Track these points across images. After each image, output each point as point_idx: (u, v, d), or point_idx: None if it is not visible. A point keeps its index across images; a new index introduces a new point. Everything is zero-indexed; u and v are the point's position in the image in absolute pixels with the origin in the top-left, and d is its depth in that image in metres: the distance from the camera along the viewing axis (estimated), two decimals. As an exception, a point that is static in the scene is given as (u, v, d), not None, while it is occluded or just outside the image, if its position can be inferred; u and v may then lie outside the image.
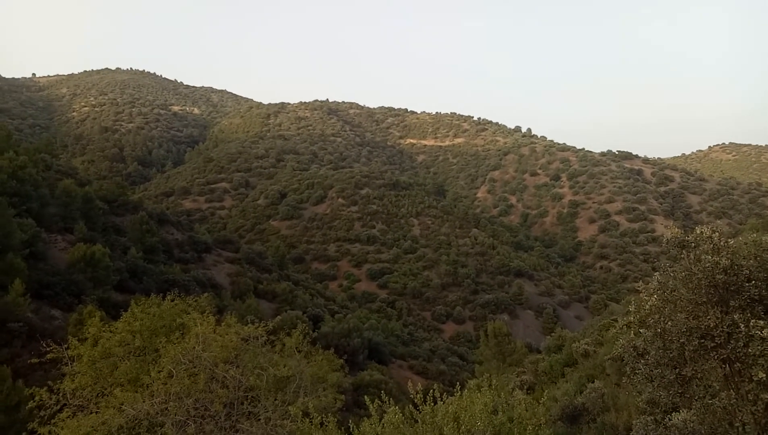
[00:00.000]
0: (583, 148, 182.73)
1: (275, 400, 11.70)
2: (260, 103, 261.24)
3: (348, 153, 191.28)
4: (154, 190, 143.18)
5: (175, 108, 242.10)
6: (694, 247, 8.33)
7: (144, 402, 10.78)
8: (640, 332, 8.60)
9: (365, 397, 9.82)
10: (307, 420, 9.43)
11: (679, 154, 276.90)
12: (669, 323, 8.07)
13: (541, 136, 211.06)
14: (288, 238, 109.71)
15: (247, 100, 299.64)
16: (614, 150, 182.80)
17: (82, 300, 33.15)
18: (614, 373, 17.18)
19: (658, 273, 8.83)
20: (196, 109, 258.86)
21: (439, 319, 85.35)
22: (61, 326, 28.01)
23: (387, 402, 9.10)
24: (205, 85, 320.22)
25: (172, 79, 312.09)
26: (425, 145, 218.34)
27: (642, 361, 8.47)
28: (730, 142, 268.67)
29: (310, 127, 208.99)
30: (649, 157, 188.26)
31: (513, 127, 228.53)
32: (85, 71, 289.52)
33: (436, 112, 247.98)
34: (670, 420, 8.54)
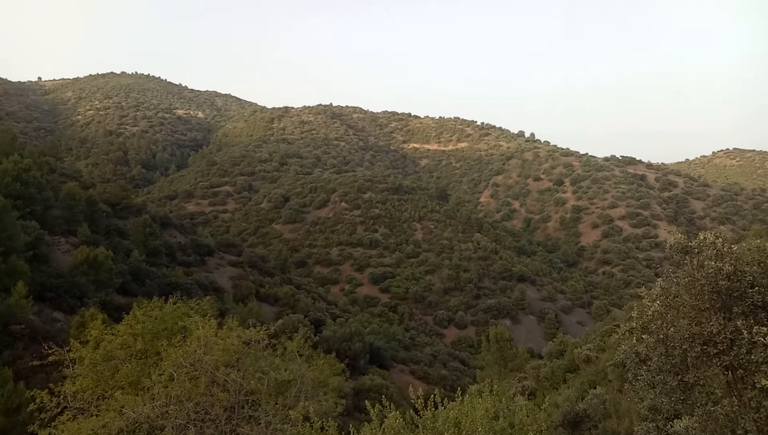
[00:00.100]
0: (587, 153, 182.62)
1: (276, 404, 11.69)
2: (264, 107, 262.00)
3: (351, 157, 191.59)
4: (158, 193, 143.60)
5: (180, 112, 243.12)
6: (698, 252, 8.30)
7: (145, 405, 10.78)
8: (642, 338, 8.56)
9: (366, 401, 9.79)
10: (308, 424, 9.41)
11: (683, 160, 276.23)
12: (671, 329, 8.04)
13: (545, 141, 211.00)
14: (290, 242, 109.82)
15: (251, 104, 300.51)
16: (618, 155, 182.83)
17: (84, 302, 33.19)
18: (616, 379, 17.11)
19: (660, 279, 8.79)
20: (200, 112, 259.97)
21: (440, 324, 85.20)
22: (63, 329, 28.07)
23: (388, 407, 9.07)
24: (210, 89, 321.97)
25: (177, 83, 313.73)
26: (428, 150, 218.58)
27: (644, 368, 8.43)
28: (734, 148, 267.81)
29: (313, 131, 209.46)
30: (652, 162, 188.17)
31: (516, 131, 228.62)
32: (91, 75, 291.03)
33: (440, 117, 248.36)
34: (672, 427, 8.48)
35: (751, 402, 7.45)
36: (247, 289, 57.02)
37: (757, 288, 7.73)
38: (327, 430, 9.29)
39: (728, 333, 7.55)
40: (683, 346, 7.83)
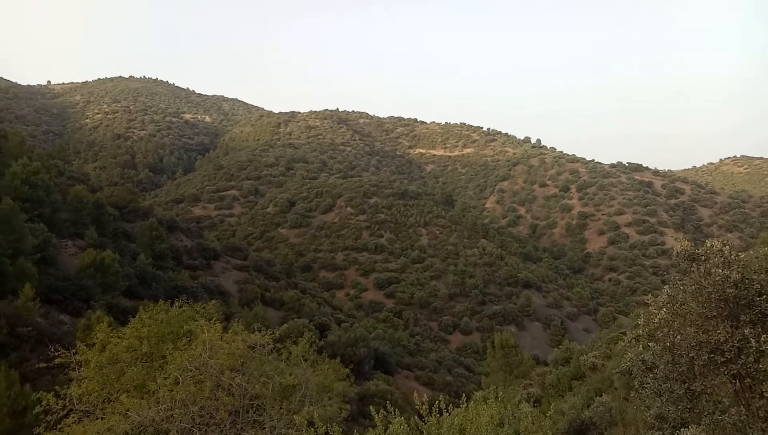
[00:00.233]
0: (593, 160, 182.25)
1: (280, 408, 11.69)
2: (271, 111, 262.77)
3: (357, 162, 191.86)
4: (165, 196, 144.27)
5: (187, 116, 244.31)
6: (705, 260, 8.26)
7: (150, 408, 10.80)
8: (649, 346, 8.52)
9: (371, 407, 9.79)
10: (312, 429, 9.40)
11: (690, 167, 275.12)
12: (678, 337, 7.99)
13: (551, 147, 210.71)
14: (296, 246, 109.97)
15: (257, 108, 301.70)
16: (624, 162, 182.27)
17: (90, 305, 33.31)
18: (622, 387, 16.99)
19: (667, 286, 8.76)
20: (207, 117, 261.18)
21: (446, 330, 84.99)
22: (70, 331, 28.16)
23: (392, 413, 9.06)
24: (217, 94, 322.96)
25: (185, 87, 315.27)
26: (434, 155, 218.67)
27: (651, 375, 8.38)
28: (741, 155, 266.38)
29: (320, 136, 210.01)
30: (659, 169, 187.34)
31: (522, 137, 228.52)
32: (99, 79, 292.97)
33: (446, 123, 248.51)
34: (679, 436, 8.43)
35: (759, 411, 7.39)
36: (252, 293, 57.13)
37: (764, 296, 7.68)
38: (331, 435, 9.27)
39: (736, 341, 7.50)
40: (690, 355, 7.78)
